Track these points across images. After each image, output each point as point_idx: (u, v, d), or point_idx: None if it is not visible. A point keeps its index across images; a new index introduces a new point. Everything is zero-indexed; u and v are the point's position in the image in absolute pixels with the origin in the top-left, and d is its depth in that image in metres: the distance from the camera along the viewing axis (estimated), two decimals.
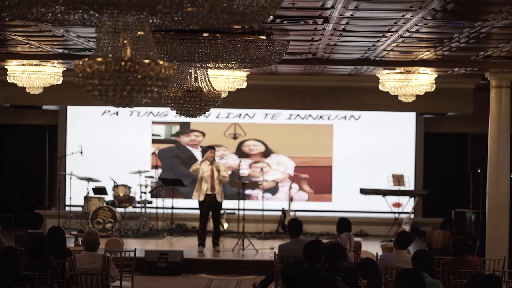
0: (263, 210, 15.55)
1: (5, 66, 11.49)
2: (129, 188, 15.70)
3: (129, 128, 16.82)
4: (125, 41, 3.97)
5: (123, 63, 3.81)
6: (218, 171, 13.89)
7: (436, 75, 11.52)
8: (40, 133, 16.98)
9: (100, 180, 15.64)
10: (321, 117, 16.68)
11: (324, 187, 16.66)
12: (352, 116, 16.56)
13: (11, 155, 16.96)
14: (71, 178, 15.58)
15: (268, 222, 15.99)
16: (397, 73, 11.29)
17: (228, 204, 15.26)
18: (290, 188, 15.78)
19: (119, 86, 3.84)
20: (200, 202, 13.93)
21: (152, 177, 15.81)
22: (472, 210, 14.75)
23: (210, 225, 14.26)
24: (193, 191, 14.03)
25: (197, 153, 16.47)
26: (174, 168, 16.67)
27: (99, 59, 3.82)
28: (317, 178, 16.69)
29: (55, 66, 11.47)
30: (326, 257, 7.58)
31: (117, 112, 16.75)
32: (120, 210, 15.57)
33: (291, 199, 15.81)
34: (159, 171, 16.05)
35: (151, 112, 16.72)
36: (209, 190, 13.83)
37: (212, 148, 14.06)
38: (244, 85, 11.21)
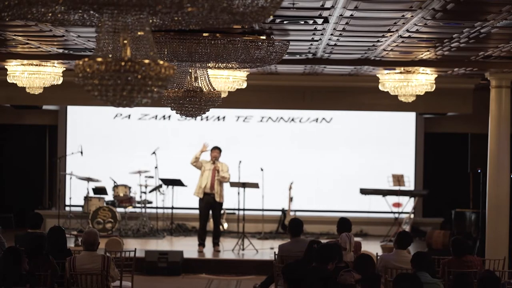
0: (263, 210, 15.54)
1: (5, 66, 11.49)
2: (129, 188, 15.70)
3: (129, 128, 16.83)
4: (125, 41, 3.97)
5: (123, 63, 3.81)
6: (219, 171, 13.91)
7: (436, 75, 11.52)
8: (40, 133, 16.97)
9: (100, 180, 15.63)
10: (321, 118, 16.68)
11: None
12: (351, 116, 16.55)
13: (11, 155, 16.95)
14: (71, 178, 15.58)
15: (268, 222, 15.99)
16: (397, 73, 11.29)
17: (228, 204, 15.26)
18: (290, 188, 15.77)
19: (119, 86, 3.84)
20: (199, 200, 13.97)
21: (152, 177, 15.81)
22: (472, 210, 14.76)
23: (210, 225, 14.27)
24: (195, 188, 14.07)
25: None
26: None
27: (99, 59, 3.82)
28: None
29: (55, 66, 11.46)
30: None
31: (121, 113, 16.77)
32: (120, 210, 15.57)
33: (291, 199, 15.80)
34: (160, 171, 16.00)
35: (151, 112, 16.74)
36: (208, 189, 13.84)
37: (216, 148, 14.07)
38: (244, 85, 11.21)
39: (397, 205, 15.96)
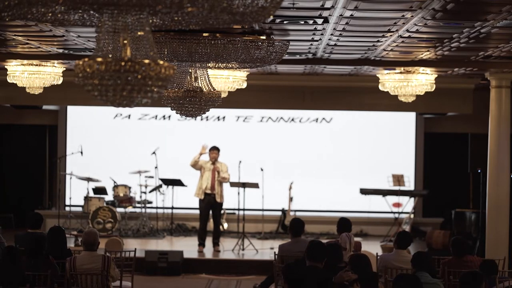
0: (263, 210, 15.54)
1: (5, 66, 11.49)
2: (129, 188, 15.70)
3: (129, 128, 16.83)
4: (125, 41, 3.97)
5: (123, 63, 3.81)
6: (219, 172, 13.90)
7: (436, 75, 11.52)
8: (40, 133, 16.97)
9: (100, 180, 15.63)
10: (321, 118, 16.68)
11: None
12: (351, 116, 16.54)
13: (11, 155, 16.95)
14: (71, 178, 15.58)
15: (268, 222, 15.99)
16: (397, 73, 11.29)
17: (228, 204, 15.26)
18: (290, 188, 15.78)
19: (119, 86, 3.83)
20: (200, 201, 13.97)
21: (152, 177, 15.81)
22: (472, 210, 14.75)
23: (210, 225, 14.27)
24: (195, 189, 14.07)
25: None
26: None
27: (99, 59, 3.82)
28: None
29: (55, 66, 11.46)
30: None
31: (121, 113, 16.77)
32: (120, 210, 15.57)
33: (291, 199, 15.80)
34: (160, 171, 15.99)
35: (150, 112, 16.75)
36: (209, 189, 13.85)
37: (215, 148, 14.06)
38: (244, 85, 11.21)
39: (397, 205, 15.96)
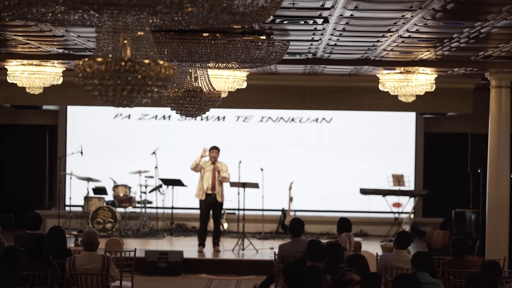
0: (263, 210, 15.54)
1: (5, 66, 11.49)
2: (129, 188, 15.70)
3: (129, 128, 16.83)
4: (125, 41, 3.97)
5: (123, 63, 3.80)
6: (219, 172, 13.91)
7: (436, 75, 11.53)
8: (40, 133, 16.97)
9: (100, 180, 15.63)
10: (321, 118, 16.68)
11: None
12: (351, 116, 16.54)
13: (11, 155, 16.96)
14: (71, 178, 15.58)
15: (268, 222, 15.99)
16: (397, 73, 11.29)
17: (228, 204, 15.26)
18: (290, 188, 15.77)
19: (119, 86, 3.83)
20: (200, 201, 13.98)
21: (152, 177, 15.80)
22: (472, 210, 14.75)
23: (210, 225, 14.27)
24: (196, 190, 14.07)
25: None
26: None
27: (99, 59, 3.82)
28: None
29: (55, 66, 11.46)
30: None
31: (121, 113, 16.77)
32: (120, 210, 15.57)
33: (291, 199, 15.80)
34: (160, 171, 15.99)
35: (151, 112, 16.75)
36: (210, 190, 13.85)
37: (215, 148, 14.06)
38: (244, 85, 11.21)
39: (397, 205, 15.96)
